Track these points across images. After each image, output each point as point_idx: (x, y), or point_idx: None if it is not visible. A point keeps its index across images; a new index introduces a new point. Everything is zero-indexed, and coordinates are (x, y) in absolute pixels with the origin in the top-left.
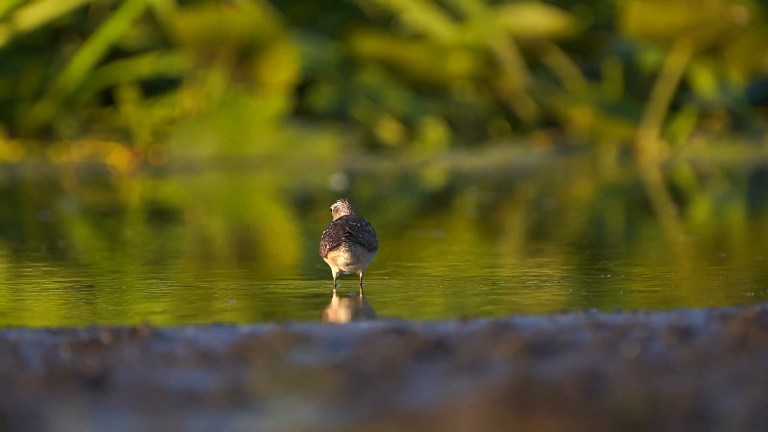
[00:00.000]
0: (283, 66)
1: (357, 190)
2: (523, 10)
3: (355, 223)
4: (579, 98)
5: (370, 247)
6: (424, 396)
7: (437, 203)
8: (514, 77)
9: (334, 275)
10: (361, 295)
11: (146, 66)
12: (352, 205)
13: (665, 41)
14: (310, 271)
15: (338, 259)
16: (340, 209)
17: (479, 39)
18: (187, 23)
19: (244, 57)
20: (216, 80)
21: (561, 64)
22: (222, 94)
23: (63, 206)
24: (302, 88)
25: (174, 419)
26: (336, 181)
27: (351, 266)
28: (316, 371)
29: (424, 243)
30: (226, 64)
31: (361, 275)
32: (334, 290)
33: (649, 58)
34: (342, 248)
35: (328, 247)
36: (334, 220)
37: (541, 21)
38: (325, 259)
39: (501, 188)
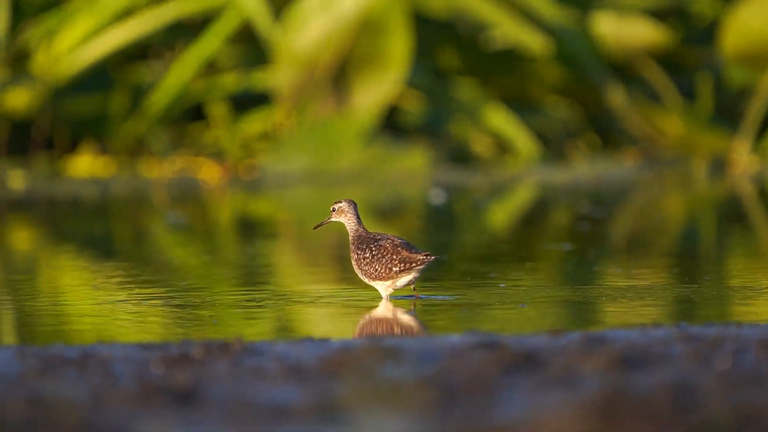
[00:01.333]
0: (384, 82)
1: (453, 204)
2: (618, 21)
3: (404, 241)
4: (671, 112)
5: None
6: (514, 410)
7: (542, 216)
8: (605, 91)
9: (385, 295)
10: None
11: (237, 82)
12: (356, 207)
13: (761, 59)
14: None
15: (402, 280)
16: (345, 210)
17: (570, 53)
18: (285, 38)
19: (344, 72)
20: (312, 98)
21: (654, 76)
22: (312, 110)
23: (168, 221)
24: (393, 104)
25: None
26: (434, 195)
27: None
28: (406, 385)
29: (554, 257)
30: (323, 78)
31: (414, 288)
32: (387, 303)
33: (737, 74)
34: (414, 271)
35: (396, 269)
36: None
37: (637, 33)
38: (381, 282)
39: (603, 202)
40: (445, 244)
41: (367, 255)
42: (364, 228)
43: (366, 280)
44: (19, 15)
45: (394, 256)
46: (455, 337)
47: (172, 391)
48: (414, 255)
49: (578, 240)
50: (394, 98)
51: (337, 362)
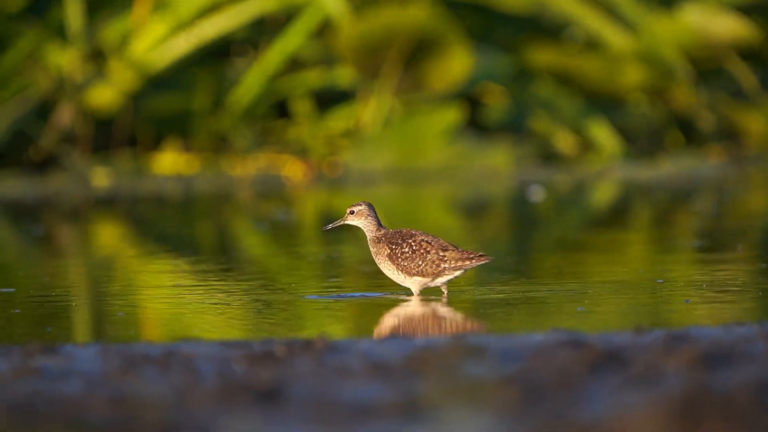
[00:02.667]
0: (453, 65)
1: (550, 200)
2: (703, 16)
3: (441, 240)
4: (756, 108)
5: None
6: (598, 408)
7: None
8: (689, 88)
9: (417, 292)
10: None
11: (319, 79)
12: (374, 210)
13: None
14: (484, 280)
15: (444, 278)
16: (365, 213)
17: (654, 49)
18: (355, 29)
19: (412, 62)
20: (388, 91)
21: (739, 72)
22: (393, 106)
23: (276, 218)
24: (475, 101)
25: (347, 431)
26: (533, 192)
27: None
28: (489, 383)
29: (686, 254)
30: (393, 70)
31: (445, 289)
32: (417, 299)
33: None
34: (467, 267)
35: (449, 265)
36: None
37: (721, 28)
38: (418, 277)
39: (693, 198)
40: (582, 242)
41: (406, 249)
42: (385, 227)
43: (399, 277)
44: (102, 11)
45: (442, 253)
46: (539, 335)
47: (255, 390)
48: (467, 253)
49: (708, 236)
50: (462, 88)
51: (421, 360)
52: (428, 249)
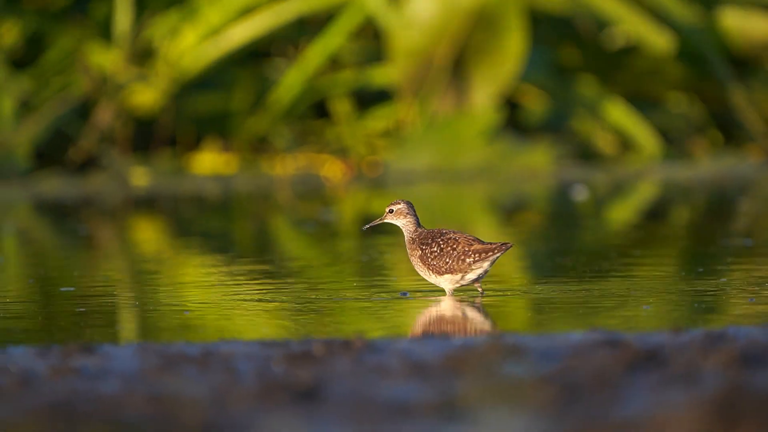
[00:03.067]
0: (506, 54)
1: (592, 199)
2: (742, 16)
3: (472, 236)
4: None
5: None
6: (636, 407)
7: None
8: (728, 87)
9: (449, 291)
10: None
11: (359, 78)
12: (413, 208)
13: None
14: (523, 279)
15: (474, 273)
16: (405, 212)
17: (694, 48)
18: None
19: (462, 62)
20: (431, 93)
21: None
22: (435, 107)
23: (322, 217)
24: (514, 102)
25: (385, 431)
26: (576, 191)
27: (479, 279)
28: (527, 383)
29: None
30: (440, 75)
31: (479, 287)
32: (450, 298)
33: None
34: (487, 261)
35: (469, 260)
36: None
37: (762, 27)
38: (448, 275)
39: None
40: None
41: (435, 249)
42: (423, 227)
43: (431, 277)
44: (143, 12)
45: (467, 248)
46: (577, 335)
47: (294, 389)
48: (488, 244)
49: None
50: (510, 91)
51: (459, 359)
52: (455, 246)
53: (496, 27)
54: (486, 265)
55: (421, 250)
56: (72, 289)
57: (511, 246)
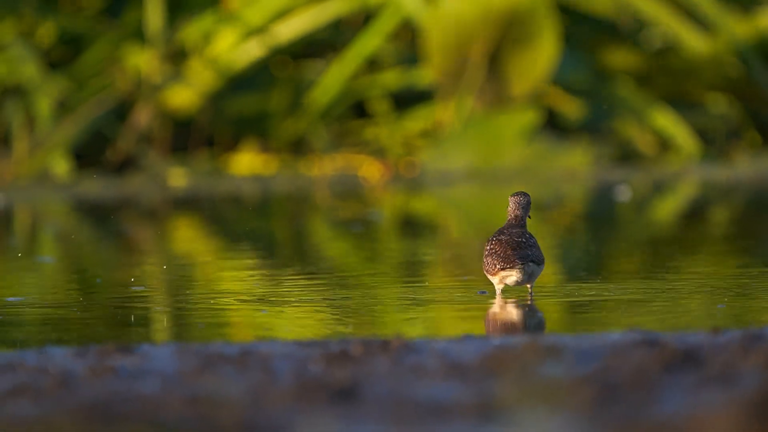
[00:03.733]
0: (541, 52)
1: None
2: None
3: (521, 239)
4: None
5: (539, 262)
6: (674, 408)
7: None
8: (766, 87)
9: (498, 290)
10: (530, 302)
11: (397, 79)
12: (520, 202)
13: None
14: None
15: (509, 279)
16: (510, 204)
17: (732, 49)
18: (444, 13)
19: (497, 56)
20: (468, 94)
21: None
22: (473, 107)
23: (370, 218)
24: (553, 102)
25: (423, 431)
26: (620, 191)
27: (522, 283)
28: (566, 383)
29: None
30: (476, 69)
31: (530, 288)
32: (499, 298)
33: None
34: (516, 269)
35: (498, 267)
36: (499, 235)
37: None
38: (491, 276)
39: None
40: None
41: (487, 247)
42: (516, 220)
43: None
44: (179, 12)
45: (501, 253)
46: (616, 335)
47: (332, 389)
48: (512, 255)
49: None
50: (544, 90)
51: (498, 360)
52: (497, 249)
53: (530, 26)
54: (514, 276)
55: (486, 243)
56: (141, 288)
57: (524, 265)
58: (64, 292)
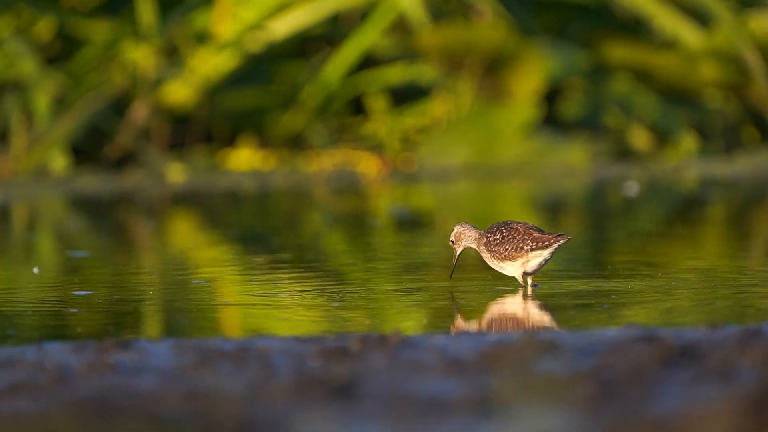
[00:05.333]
0: (529, 77)
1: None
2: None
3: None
4: None
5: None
6: (672, 404)
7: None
8: (764, 83)
9: (519, 277)
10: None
11: (395, 75)
12: (468, 225)
13: None
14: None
15: (534, 261)
16: (464, 231)
17: (729, 46)
18: (434, 37)
19: (491, 69)
20: (464, 90)
21: None
22: (471, 103)
23: (393, 212)
24: (551, 97)
25: (421, 427)
26: (629, 188)
27: (540, 267)
28: (563, 379)
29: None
30: (473, 74)
31: (530, 280)
32: (531, 290)
33: None
34: (548, 249)
35: (528, 247)
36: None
37: None
38: (510, 261)
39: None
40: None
41: (497, 236)
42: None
43: (495, 264)
44: (177, 6)
45: (526, 236)
46: (613, 331)
47: (330, 385)
48: (546, 235)
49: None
50: (544, 89)
51: (495, 356)
52: (515, 235)
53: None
54: (546, 253)
55: (486, 238)
56: (204, 282)
57: (569, 239)
58: (129, 285)
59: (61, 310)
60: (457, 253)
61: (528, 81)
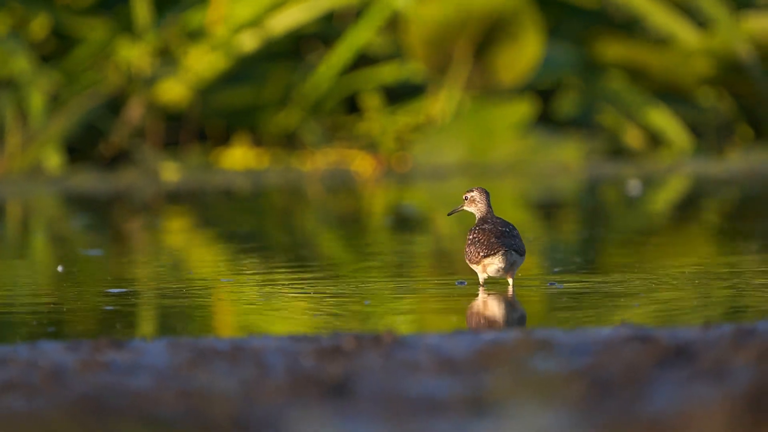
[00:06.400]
0: (525, 50)
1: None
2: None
3: (504, 229)
4: None
5: (521, 252)
6: (666, 403)
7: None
8: (758, 82)
9: (481, 280)
10: (511, 295)
11: (389, 74)
12: (488, 196)
13: None
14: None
15: (490, 267)
16: (477, 199)
17: (723, 44)
18: (428, 8)
19: (483, 48)
20: (456, 86)
21: None
22: (465, 101)
23: (399, 210)
24: (545, 95)
25: (415, 426)
26: (632, 186)
27: (503, 273)
28: (557, 378)
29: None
30: (461, 63)
31: (510, 280)
32: (482, 290)
33: None
34: (498, 256)
35: (482, 254)
36: (482, 225)
37: None
38: (473, 265)
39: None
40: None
41: (470, 237)
42: (491, 215)
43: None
44: (169, 6)
45: (485, 241)
46: (607, 330)
47: (324, 384)
48: (495, 244)
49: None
50: (531, 83)
51: (489, 355)
52: (480, 237)
53: (512, 25)
54: (496, 264)
55: (474, 228)
56: (230, 280)
57: (498, 251)
58: (169, 283)
59: (113, 308)
60: (462, 209)
61: (521, 57)
